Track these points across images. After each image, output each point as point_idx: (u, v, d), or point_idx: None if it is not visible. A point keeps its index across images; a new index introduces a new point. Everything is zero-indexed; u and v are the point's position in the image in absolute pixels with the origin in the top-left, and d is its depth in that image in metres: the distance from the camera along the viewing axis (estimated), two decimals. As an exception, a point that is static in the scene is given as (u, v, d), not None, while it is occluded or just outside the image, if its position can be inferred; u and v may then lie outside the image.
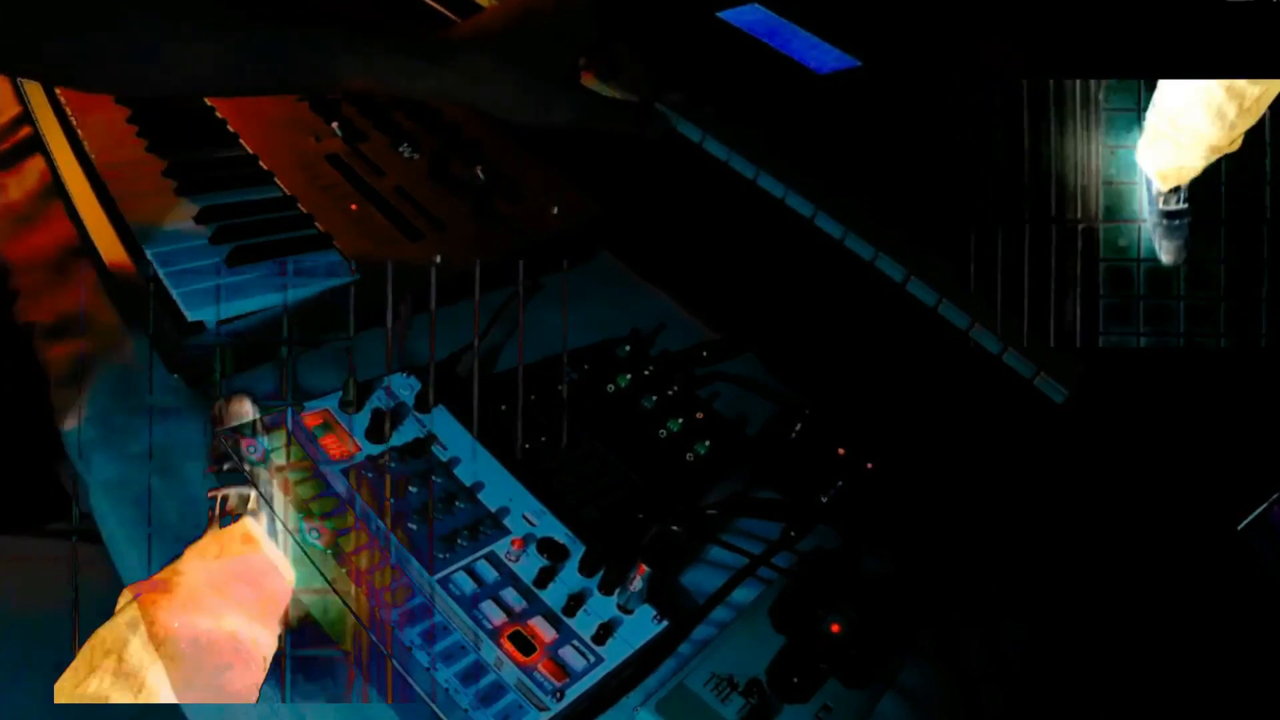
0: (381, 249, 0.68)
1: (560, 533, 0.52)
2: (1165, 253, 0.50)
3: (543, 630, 0.47)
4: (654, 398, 0.62)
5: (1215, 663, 0.52)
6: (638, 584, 0.49)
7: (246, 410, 0.43)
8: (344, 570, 0.46)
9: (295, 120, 0.80)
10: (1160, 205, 0.49)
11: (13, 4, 0.50)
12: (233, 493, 0.40)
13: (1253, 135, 0.49)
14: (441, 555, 0.49)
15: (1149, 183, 0.50)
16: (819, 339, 0.69)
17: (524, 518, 0.53)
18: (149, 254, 0.61)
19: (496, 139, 0.81)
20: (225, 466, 0.41)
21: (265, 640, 0.39)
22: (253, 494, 0.41)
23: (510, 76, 0.65)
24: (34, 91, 0.77)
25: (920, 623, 0.55)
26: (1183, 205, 0.49)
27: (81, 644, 0.55)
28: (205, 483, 0.52)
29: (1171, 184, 0.49)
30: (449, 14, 0.88)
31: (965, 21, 0.61)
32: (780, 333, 0.72)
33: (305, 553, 0.47)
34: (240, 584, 0.39)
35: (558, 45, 0.66)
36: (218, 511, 0.40)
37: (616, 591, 0.49)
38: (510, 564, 0.50)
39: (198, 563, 0.39)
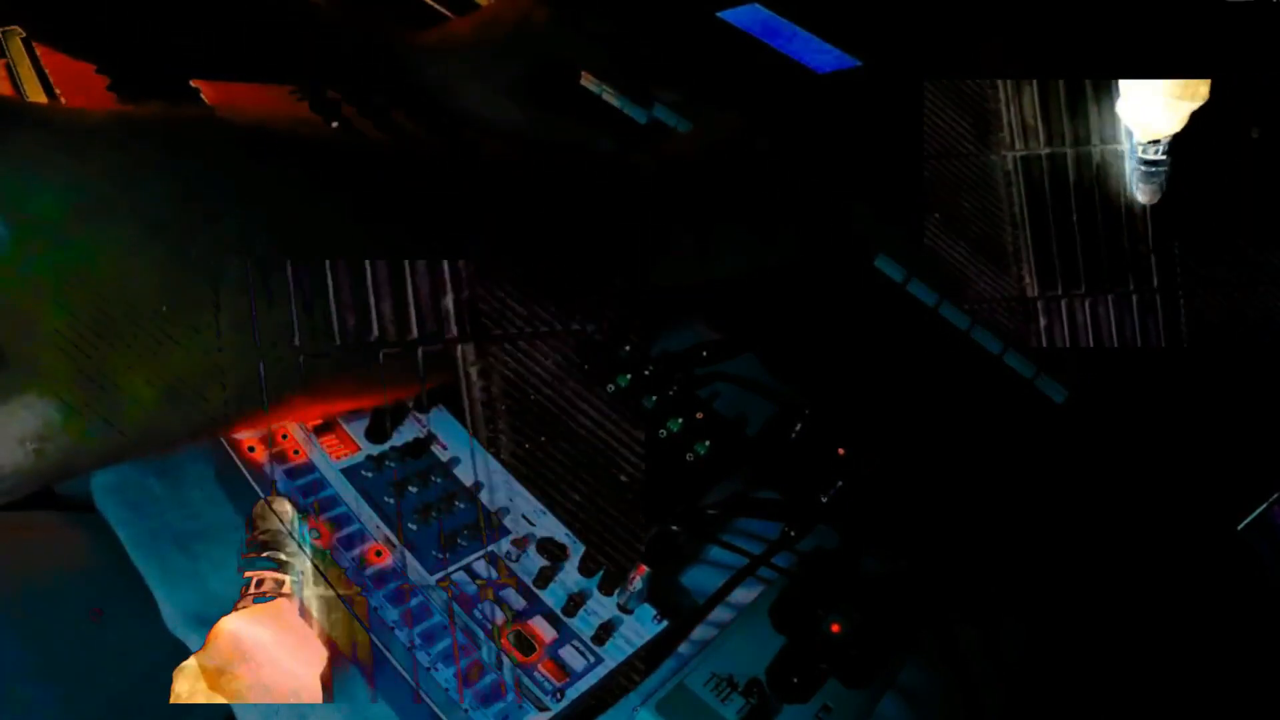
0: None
1: (560, 533, 0.52)
2: (1141, 194, 0.53)
3: (543, 630, 0.47)
4: (654, 398, 0.62)
5: (1215, 663, 0.52)
6: (638, 584, 0.49)
7: (287, 511, 0.44)
8: (344, 570, 0.46)
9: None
10: (1140, 154, 0.53)
11: None
12: (268, 576, 0.42)
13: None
14: (441, 555, 0.49)
15: (1130, 132, 0.53)
16: (819, 339, 0.69)
17: (524, 518, 0.53)
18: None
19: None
20: (264, 554, 0.43)
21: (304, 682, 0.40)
22: (288, 579, 0.42)
23: (467, 88, 0.65)
24: (33, 91, 0.77)
25: (920, 623, 0.55)
26: (1161, 156, 0.52)
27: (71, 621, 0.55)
28: (207, 485, 0.52)
29: (1149, 137, 0.51)
30: (448, 14, 0.88)
31: (965, 21, 0.61)
32: (780, 333, 0.72)
33: (306, 554, 0.47)
34: (274, 631, 0.40)
35: (516, 58, 0.67)
36: (251, 590, 0.42)
37: (616, 591, 0.49)
38: (510, 564, 0.50)
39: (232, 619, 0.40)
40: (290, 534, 0.43)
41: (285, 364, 0.35)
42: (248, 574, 0.42)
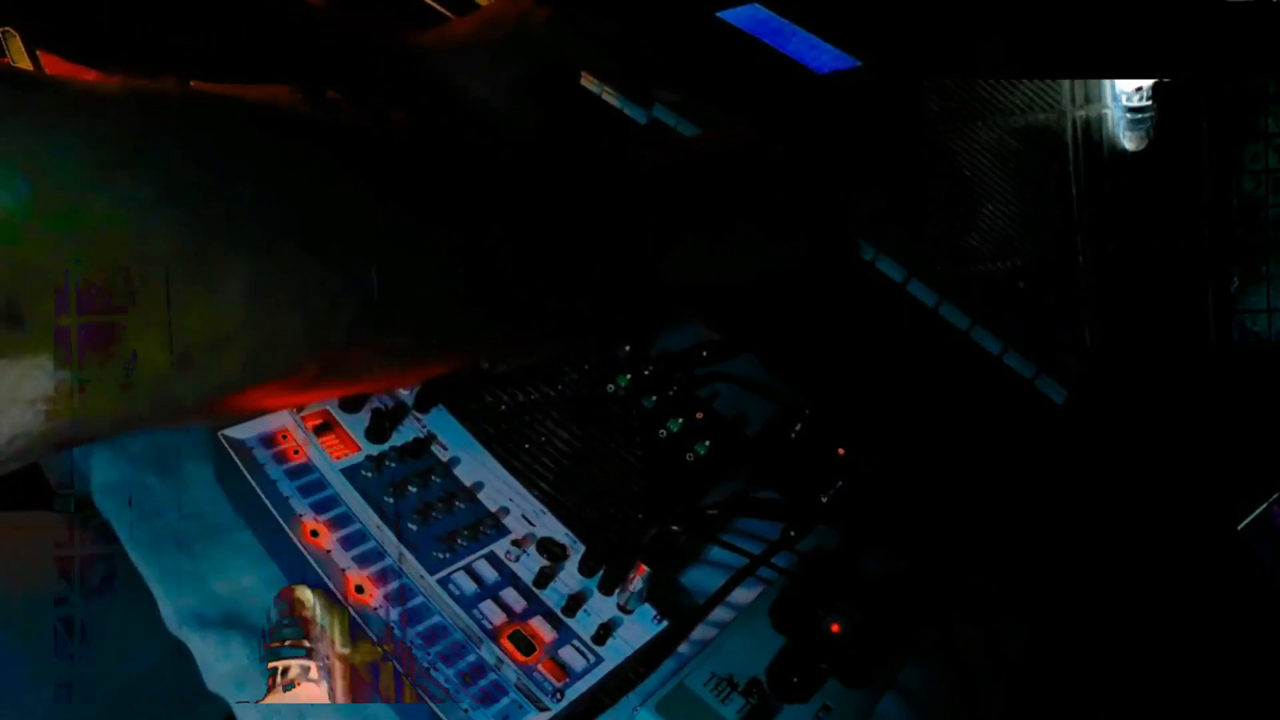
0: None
1: (560, 533, 0.52)
2: (1129, 142, 0.54)
3: (543, 630, 0.47)
4: (654, 398, 0.62)
5: (1215, 663, 0.52)
6: (638, 584, 0.49)
7: (309, 599, 0.45)
8: (344, 570, 0.46)
9: (295, 120, 0.80)
10: (1124, 101, 0.53)
11: None
12: (294, 664, 0.42)
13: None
14: (441, 555, 0.49)
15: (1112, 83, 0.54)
16: (819, 339, 0.69)
17: (524, 518, 0.53)
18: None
19: (496, 139, 0.81)
20: (286, 642, 0.43)
21: None
22: (314, 665, 0.43)
23: (467, 86, 0.65)
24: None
25: (920, 623, 0.55)
26: (1146, 102, 0.53)
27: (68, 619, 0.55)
28: (207, 485, 0.52)
29: (1132, 84, 0.53)
30: (447, 14, 0.88)
31: (965, 21, 0.61)
32: (780, 333, 0.72)
33: (305, 554, 0.47)
34: None
35: (516, 56, 0.67)
36: (279, 680, 0.43)
37: (616, 591, 0.49)
38: (510, 564, 0.50)
39: None
40: (315, 620, 0.43)
41: (295, 334, 0.34)
42: (271, 665, 0.42)
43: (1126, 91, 0.53)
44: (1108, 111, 0.53)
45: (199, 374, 0.32)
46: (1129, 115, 0.53)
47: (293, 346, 0.35)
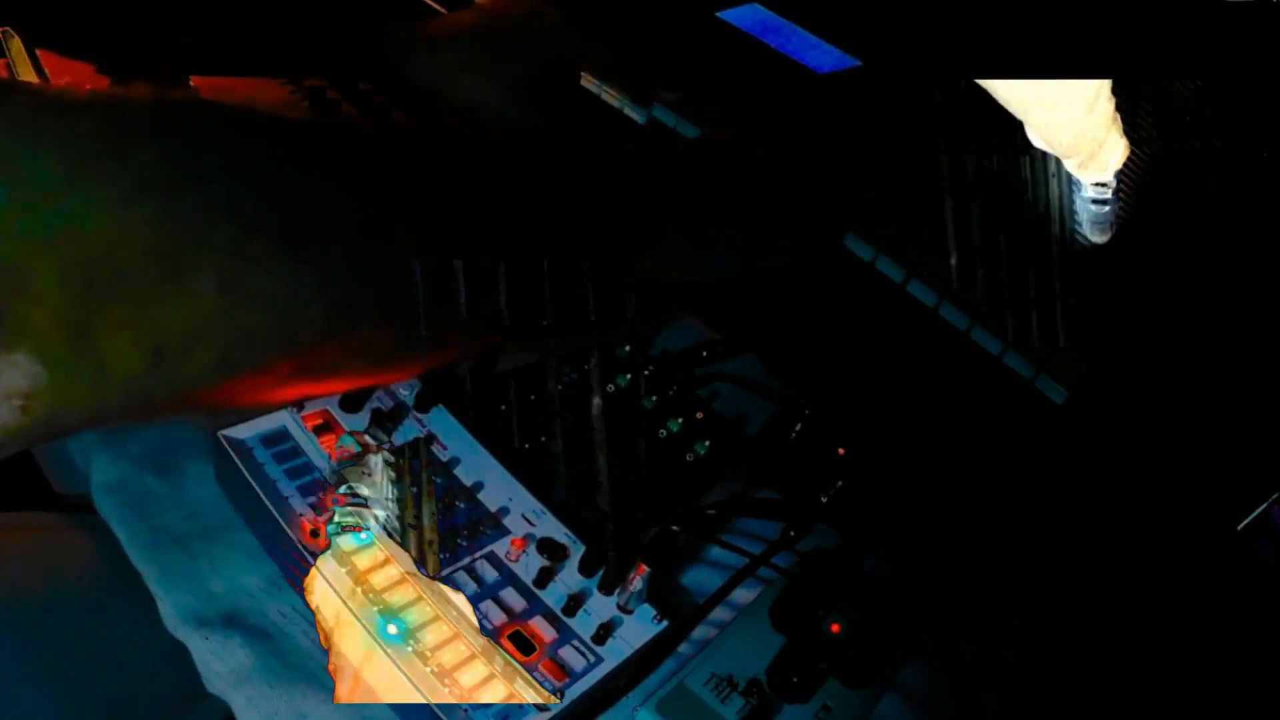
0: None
1: (560, 533, 0.52)
2: (1093, 234, 0.52)
3: (543, 630, 0.47)
4: (654, 398, 0.62)
5: (1215, 662, 0.52)
6: (638, 584, 0.49)
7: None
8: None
9: (295, 120, 0.80)
10: (1086, 194, 0.52)
11: None
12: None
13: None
14: (441, 555, 0.49)
15: (1076, 180, 0.52)
16: (819, 339, 0.69)
17: (524, 518, 0.53)
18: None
19: (496, 139, 0.81)
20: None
21: None
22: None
23: (466, 80, 0.65)
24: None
25: (920, 623, 0.55)
26: (1108, 195, 0.51)
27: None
28: (207, 485, 0.52)
29: (1083, 162, 0.50)
30: (440, 9, 0.88)
31: (965, 21, 0.61)
32: (780, 333, 0.72)
33: (305, 554, 0.47)
34: None
35: (522, 55, 0.66)
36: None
37: (616, 591, 0.49)
38: (510, 564, 0.50)
39: None
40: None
41: (268, 330, 0.35)
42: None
43: (1089, 184, 0.51)
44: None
45: (171, 370, 0.32)
46: (1091, 208, 0.51)
47: (265, 343, 0.35)
